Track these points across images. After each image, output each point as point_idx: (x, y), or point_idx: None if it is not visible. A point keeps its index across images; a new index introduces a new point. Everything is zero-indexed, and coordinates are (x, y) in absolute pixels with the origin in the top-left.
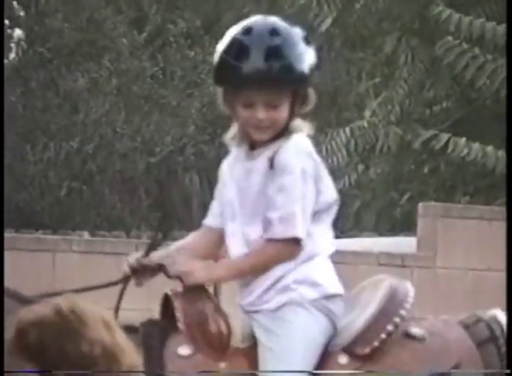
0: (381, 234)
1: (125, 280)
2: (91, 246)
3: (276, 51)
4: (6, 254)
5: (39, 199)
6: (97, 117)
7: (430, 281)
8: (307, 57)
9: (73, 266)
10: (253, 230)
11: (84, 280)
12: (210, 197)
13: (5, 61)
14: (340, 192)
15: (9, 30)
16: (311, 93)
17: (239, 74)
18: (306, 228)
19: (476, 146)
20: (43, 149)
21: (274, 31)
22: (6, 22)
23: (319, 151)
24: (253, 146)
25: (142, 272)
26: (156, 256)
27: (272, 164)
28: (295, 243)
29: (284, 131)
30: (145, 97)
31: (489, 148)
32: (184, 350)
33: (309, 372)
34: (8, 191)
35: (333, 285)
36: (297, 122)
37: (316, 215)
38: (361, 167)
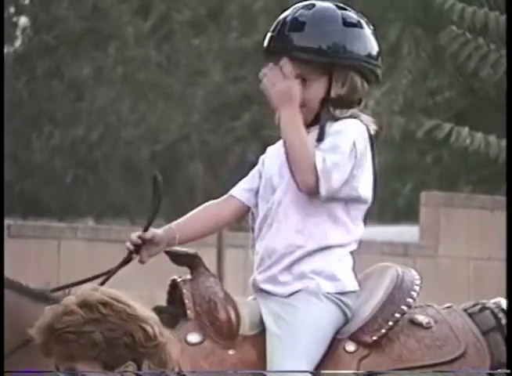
0: (384, 223)
1: (128, 256)
2: (96, 233)
3: (301, 23)
4: (11, 241)
5: (44, 186)
6: (102, 105)
7: (433, 270)
8: (335, 37)
9: (78, 254)
10: (292, 198)
11: (89, 267)
12: (215, 185)
13: (11, 49)
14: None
15: (14, 18)
16: (355, 78)
17: (267, 44)
18: (340, 182)
19: (479, 135)
20: (48, 136)
21: (310, 5)
22: (11, 9)
23: None
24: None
25: (145, 247)
26: (160, 231)
27: (321, 135)
28: (316, 183)
29: (332, 117)
30: (150, 85)
31: (492, 138)
32: (193, 338)
33: (311, 373)
34: (13, 178)
35: (351, 282)
36: (351, 111)
37: (347, 206)
38: None
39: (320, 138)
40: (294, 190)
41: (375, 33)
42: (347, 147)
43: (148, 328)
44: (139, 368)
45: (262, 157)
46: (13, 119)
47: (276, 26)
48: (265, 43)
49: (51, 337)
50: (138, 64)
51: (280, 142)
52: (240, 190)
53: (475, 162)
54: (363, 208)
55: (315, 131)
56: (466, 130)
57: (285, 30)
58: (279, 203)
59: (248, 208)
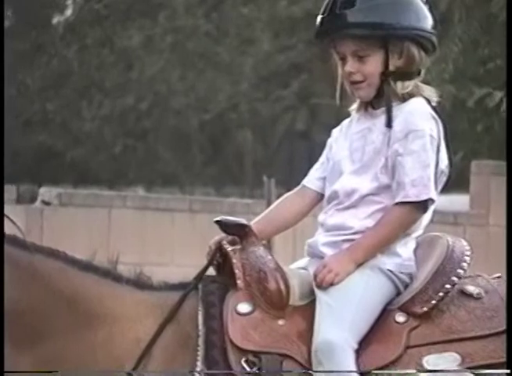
0: None
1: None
2: (146, 202)
3: (351, 0)
4: (62, 209)
5: (94, 155)
6: (152, 74)
7: (483, 239)
8: (387, 9)
9: (127, 222)
10: (357, 182)
11: (138, 235)
12: (263, 153)
13: (61, 18)
14: None
15: None
16: (411, 48)
17: (319, 26)
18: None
19: None
20: (98, 106)
21: None
22: None
23: None
24: (373, 107)
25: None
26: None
27: (389, 122)
28: (424, 206)
29: (397, 95)
30: (199, 54)
31: None
32: (243, 307)
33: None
34: (64, 148)
35: (410, 263)
36: (412, 85)
37: None
38: None
39: (389, 123)
40: (364, 176)
41: (428, 1)
42: (425, 145)
43: None
44: None
45: (329, 141)
46: (64, 88)
47: (326, 7)
48: (317, 26)
49: None
50: (187, 33)
51: (345, 123)
52: (313, 180)
53: None
54: (440, 181)
55: (382, 117)
56: None
57: (336, 9)
58: (343, 186)
59: (322, 196)
